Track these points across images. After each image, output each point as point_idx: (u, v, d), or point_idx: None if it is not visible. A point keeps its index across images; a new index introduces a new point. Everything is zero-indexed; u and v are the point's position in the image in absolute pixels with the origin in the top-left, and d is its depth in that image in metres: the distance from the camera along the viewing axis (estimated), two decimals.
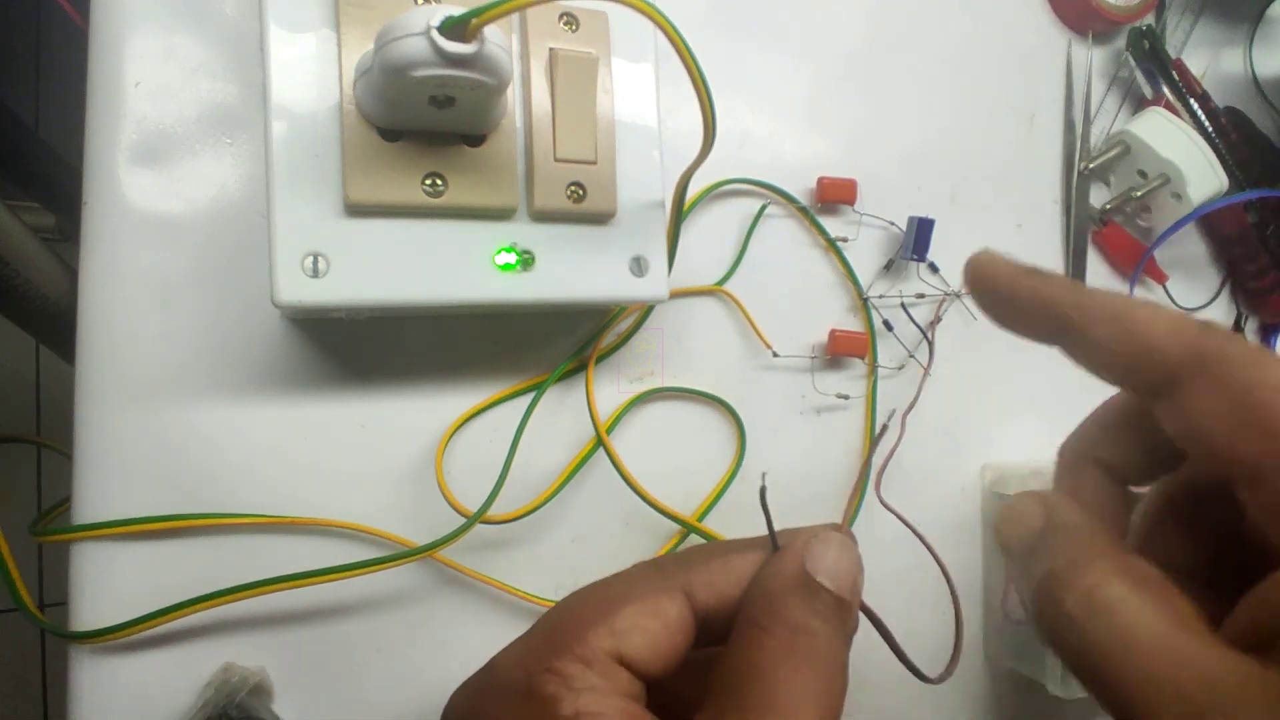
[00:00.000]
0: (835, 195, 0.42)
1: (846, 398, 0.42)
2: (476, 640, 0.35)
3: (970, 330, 0.46)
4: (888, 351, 0.44)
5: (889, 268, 0.44)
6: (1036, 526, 0.20)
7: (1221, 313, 0.54)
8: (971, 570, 0.45)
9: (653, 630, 0.21)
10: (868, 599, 0.23)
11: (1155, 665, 0.16)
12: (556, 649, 0.20)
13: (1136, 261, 0.49)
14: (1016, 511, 0.21)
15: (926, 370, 0.43)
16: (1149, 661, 0.16)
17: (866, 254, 0.43)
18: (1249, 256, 0.52)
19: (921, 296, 0.44)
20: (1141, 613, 0.17)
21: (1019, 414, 0.47)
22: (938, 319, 0.44)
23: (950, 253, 0.44)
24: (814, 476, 0.42)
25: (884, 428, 0.29)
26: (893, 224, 0.43)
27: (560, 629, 0.21)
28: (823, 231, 0.42)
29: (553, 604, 0.26)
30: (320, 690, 0.33)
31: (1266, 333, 0.54)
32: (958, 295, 0.45)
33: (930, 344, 0.44)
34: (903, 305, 0.44)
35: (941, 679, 0.23)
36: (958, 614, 0.25)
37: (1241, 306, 0.54)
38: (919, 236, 0.42)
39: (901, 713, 0.43)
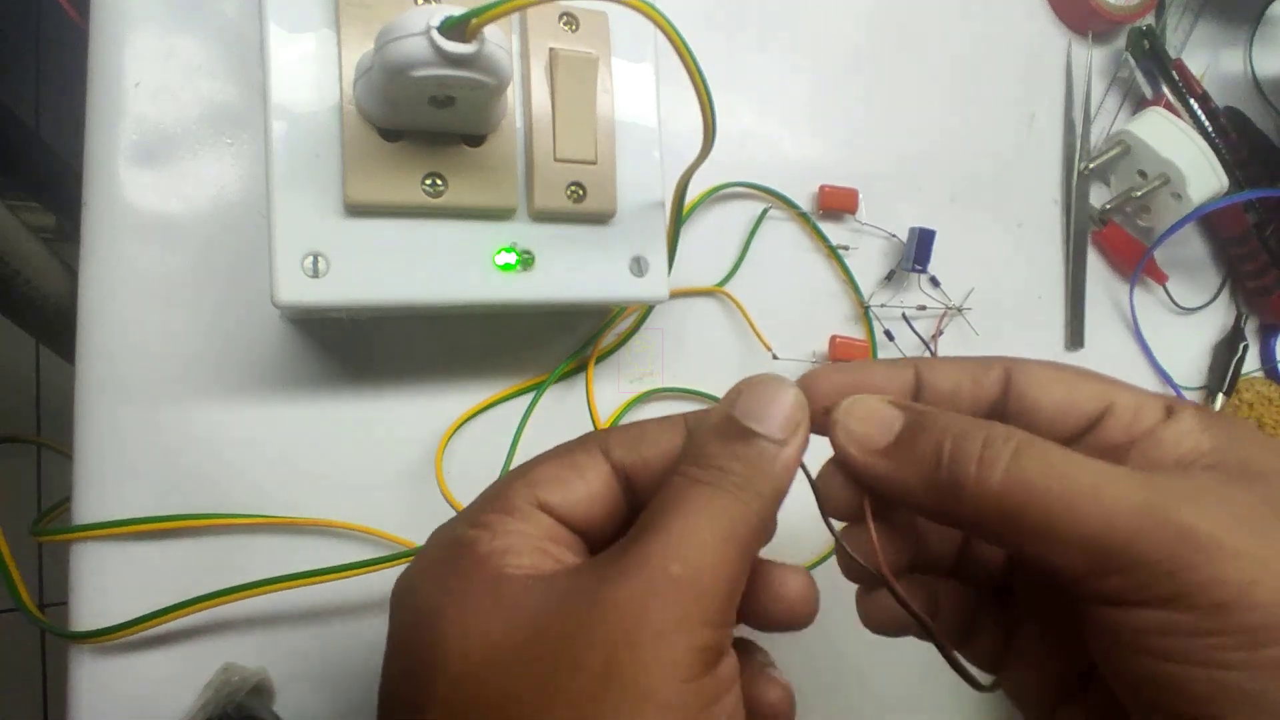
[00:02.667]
0: (836, 204, 0.42)
1: None
2: None
3: (971, 346, 0.46)
4: None
5: (890, 278, 0.44)
6: (899, 416, 0.21)
7: (1221, 313, 0.54)
8: None
9: (569, 480, 0.22)
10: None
11: (1104, 471, 0.18)
12: (482, 507, 0.22)
13: (1136, 261, 0.49)
14: (864, 406, 0.22)
15: None
16: (1097, 470, 0.18)
17: (868, 262, 0.43)
18: (1249, 256, 0.52)
19: (923, 309, 0.44)
20: (1061, 448, 0.19)
21: None
22: (939, 332, 0.44)
23: (951, 253, 0.44)
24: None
25: None
26: (893, 235, 0.43)
27: (487, 493, 0.22)
28: (824, 239, 0.42)
29: None
30: (320, 690, 0.33)
31: (1266, 333, 0.54)
32: (959, 310, 0.45)
33: (933, 356, 0.44)
34: (904, 316, 0.44)
35: (995, 686, 0.23)
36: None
37: (1241, 306, 0.54)
38: (920, 247, 0.42)
39: (900, 709, 0.43)
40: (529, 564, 0.20)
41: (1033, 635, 0.24)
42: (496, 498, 0.22)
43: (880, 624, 0.23)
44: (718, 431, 0.21)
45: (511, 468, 0.24)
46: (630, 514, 0.22)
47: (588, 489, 0.22)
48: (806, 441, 0.21)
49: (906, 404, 0.21)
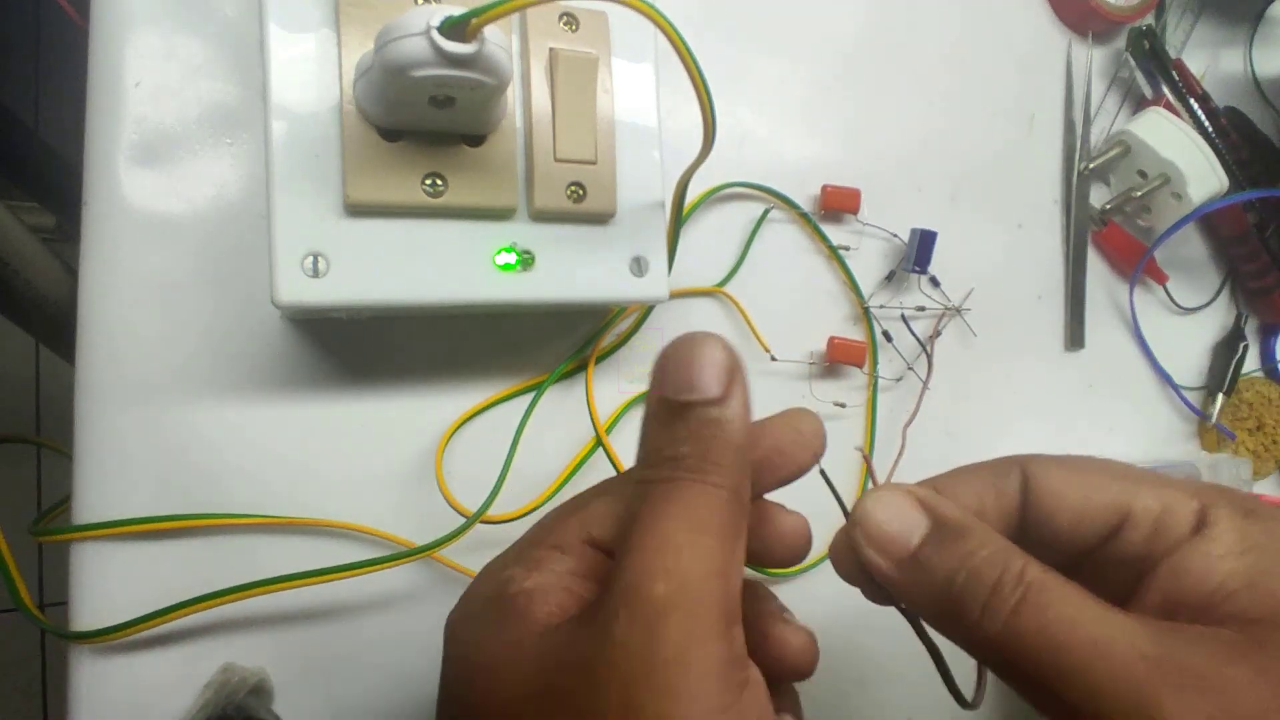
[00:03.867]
0: (839, 204, 0.42)
1: (843, 405, 0.42)
2: None
3: (970, 347, 0.46)
4: (885, 362, 0.44)
5: (890, 279, 0.44)
6: (923, 524, 0.20)
7: (1221, 313, 0.54)
8: None
9: (621, 515, 0.21)
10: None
11: (1102, 636, 0.17)
12: (534, 543, 0.22)
13: (1136, 261, 0.49)
14: (889, 509, 0.21)
15: (925, 384, 0.43)
16: (1095, 633, 0.17)
17: (868, 263, 0.43)
18: (1249, 256, 0.52)
19: (922, 309, 0.44)
20: (1074, 593, 0.18)
21: (1018, 417, 0.47)
22: (937, 333, 0.44)
23: (951, 253, 0.44)
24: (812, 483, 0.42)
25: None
26: (895, 235, 0.43)
27: (539, 528, 0.22)
28: (825, 239, 0.42)
29: None
30: (320, 690, 0.33)
31: (1266, 333, 0.54)
32: (958, 311, 0.45)
33: (929, 358, 0.44)
34: (903, 317, 0.44)
35: (976, 704, 0.23)
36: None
37: (1241, 306, 0.54)
38: (921, 248, 0.42)
39: (901, 709, 0.43)
40: (554, 606, 0.20)
41: None
42: (550, 533, 0.22)
43: (848, 575, 0.23)
44: (655, 420, 0.19)
45: (556, 507, 0.24)
46: None
47: None
48: (746, 387, 0.20)
49: (934, 508, 0.21)
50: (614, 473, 0.36)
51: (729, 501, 0.19)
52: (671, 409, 0.19)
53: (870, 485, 0.23)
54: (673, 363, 0.19)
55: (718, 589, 0.18)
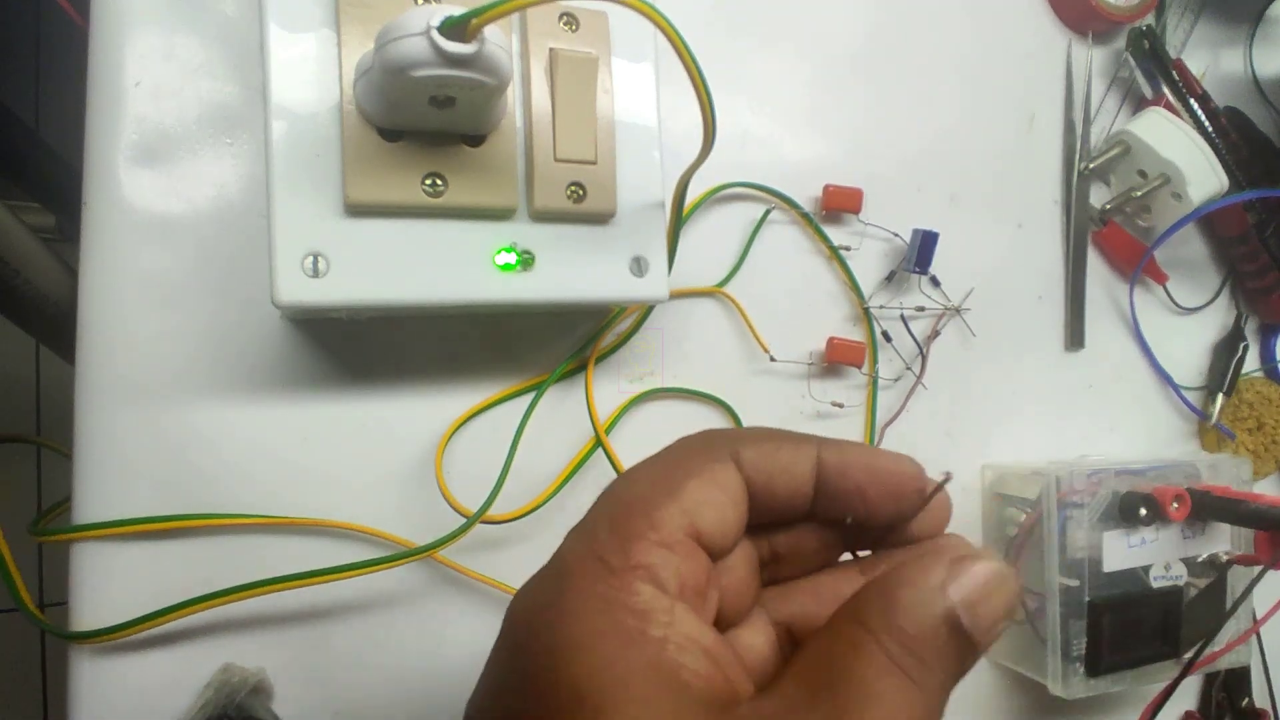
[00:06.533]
0: (841, 204, 0.42)
1: (841, 406, 0.42)
2: (476, 640, 0.35)
3: (969, 347, 0.46)
4: (885, 363, 0.44)
5: (890, 279, 0.44)
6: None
7: (1221, 313, 0.54)
8: None
9: (720, 503, 0.20)
10: None
11: None
12: (631, 535, 0.19)
13: (1136, 261, 0.49)
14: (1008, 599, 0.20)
15: (919, 380, 0.43)
16: None
17: (868, 263, 0.43)
18: (1249, 256, 0.52)
19: (922, 309, 0.44)
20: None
21: (1017, 417, 0.47)
22: (935, 333, 0.44)
23: (951, 253, 0.44)
24: None
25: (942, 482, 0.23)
26: (896, 235, 0.43)
27: (629, 513, 0.19)
28: (825, 239, 0.42)
29: None
30: (320, 690, 0.33)
31: (1266, 333, 0.54)
32: (957, 311, 0.45)
33: (924, 358, 0.44)
34: (902, 318, 0.44)
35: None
36: None
37: (1241, 306, 0.54)
38: (922, 249, 0.42)
39: None
40: (704, 674, 0.18)
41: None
42: (647, 525, 0.19)
43: None
44: (926, 609, 0.18)
45: (640, 472, 0.21)
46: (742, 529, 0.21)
47: (736, 512, 0.20)
48: None
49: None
50: (613, 472, 0.36)
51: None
52: (954, 624, 0.18)
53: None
54: (989, 587, 0.18)
55: None
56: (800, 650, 0.19)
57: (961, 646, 0.18)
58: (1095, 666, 0.40)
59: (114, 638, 0.29)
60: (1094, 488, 0.41)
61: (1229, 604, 0.43)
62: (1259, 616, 0.45)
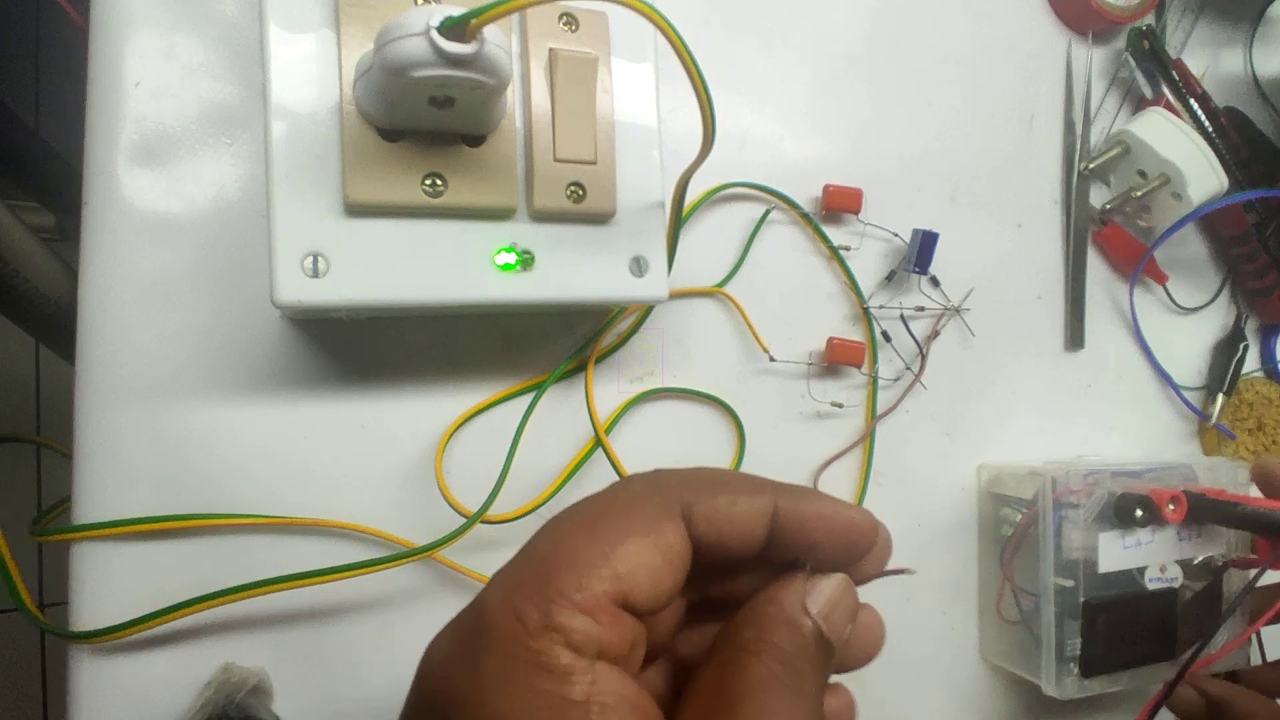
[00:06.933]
0: (841, 204, 0.42)
1: (841, 406, 0.42)
2: None
3: (968, 347, 0.46)
4: (884, 363, 0.44)
5: (890, 279, 0.44)
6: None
7: (1221, 313, 0.54)
8: (968, 570, 0.45)
9: (657, 568, 0.19)
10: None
11: None
12: (554, 593, 0.18)
13: (1136, 261, 0.49)
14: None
15: (917, 378, 0.43)
16: None
17: (868, 263, 0.43)
18: (1249, 256, 0.52)
19: (921, 309, 0.44)
20: None
21: (1017, 417, 0.47)
22: (935, 334, 0.44)
23: (951, 253, 0.44)
24: (810, 482, 0.42)
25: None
26: (896, 235, 0.43)
27: (556, 567, 0.19)
28: (825, 239, 0.42)
29: None
30: (320, 690, 0.33)
31: (1266, 333, 0.54)
32: (957, 311, 0.45)
33: (924, 358, 0.44)
34: (902, 318, 0.44)
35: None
36: None
37: (1241, 306, 0.54)
38: (922, 249, 0.42)
39: (898, 709, 0.43)
40: None
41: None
42: (573, 586, 0.18)
43: None
44: (791, 623, 0.20)
45: (579, 517, 0.20)
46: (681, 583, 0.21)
47: (671, 575, 0.20)
48: None
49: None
50: (613, 472, 0.36)
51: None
52: (825, 644, 0.20)
53: None
54: (837, 596, 0.21)
55: None
56: (692, 682, 0.20)
57: (826, 652, 0.20)
58: (1090, 667, 0.40)
59: (114, 638, 0.29)
60: (1090, 488, 0.41)
61: (1225, 607, 0.43)
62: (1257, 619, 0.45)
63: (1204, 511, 0.41)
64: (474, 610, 0.20)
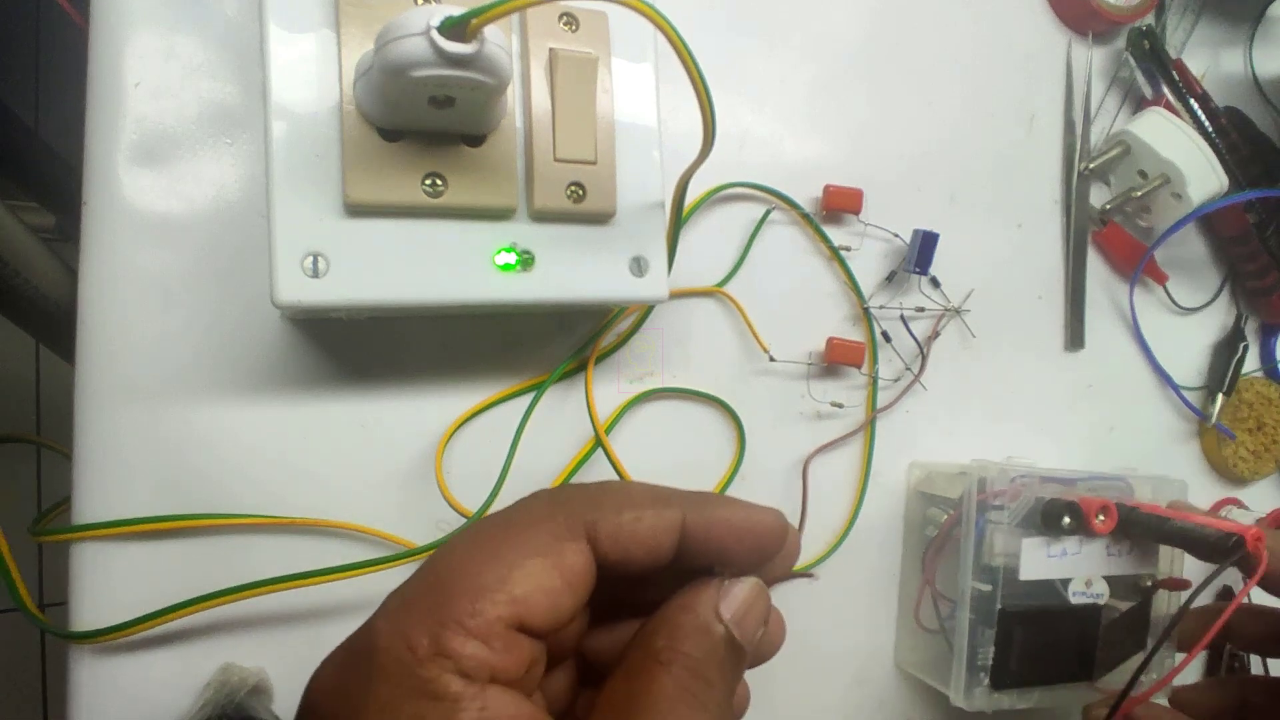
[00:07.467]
0: (841, 204, 0.42)
1: (840, 406, 0.42)
2: None
3: (968, 347, 0.46)
4: (885, 363, 0.44)
5: (890, 279, 0.44)
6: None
7: (1221, 313, 0.54)
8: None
9: (557, 591, 0.19)
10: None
11: None
12: (446, 619, 0.18)
13: (1136, 261, 0.49)
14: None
15: (917, 378, 0.43)
16: None
17: (868, 263, 0.43)
18: (1249, 256, 0.52)
19: (922, 310, 0.44)
20: None
21: (1017, 418, 0.47)
22: (935, 334, 0.44)
23: (951, 253, 0.44)
24: (810, 480, 0.42)
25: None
26: (896, 235, 0.43)
27: (449, 591, 0.18)
28: (826, 240, 0.42)
29: None
30: None
31: (1266, 333, 0.54)
32: (957, 311, 0.45)
33: (924, 359, 0.44)
34: (902, 318, 0.44)
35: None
36: None
37: (1241, 306, 0.54)
38: (922, 249, 0.42)
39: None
40: None
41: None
42: (466, 612, 0.18)
43: None
44: (702, 630, 0.20)
45: (477, 538, 0.20)
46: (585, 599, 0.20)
47: (572, 597, 0.19)
48: None
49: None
50: (613, 472, 0.36)
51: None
52: (723, 635, 0.20)
53: None
54: (749, 601, 0.21)
55: None
56: (603, 690, 0.20)
57: (738, 657, 0.20)
58: (1001, 679, 0.38)
59: (114, 638, 0.29)
60: (1017, 491, 0.38)
61: (1151, 631, 0.40)
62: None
63: (1134, 525, 0.39)
64: (363, 635, 0.19)
